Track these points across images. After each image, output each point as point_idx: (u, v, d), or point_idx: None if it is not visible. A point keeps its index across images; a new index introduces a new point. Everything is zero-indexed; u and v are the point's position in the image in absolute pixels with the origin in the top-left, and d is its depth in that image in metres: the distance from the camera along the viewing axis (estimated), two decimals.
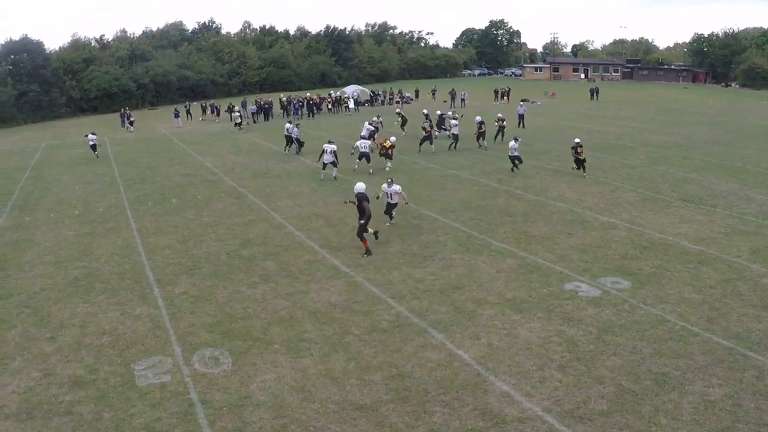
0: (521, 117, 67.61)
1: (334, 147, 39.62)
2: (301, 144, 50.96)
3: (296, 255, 25.68)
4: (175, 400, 15.01)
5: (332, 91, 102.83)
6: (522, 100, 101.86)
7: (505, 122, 55.30)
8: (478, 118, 53.14)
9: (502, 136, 53.55)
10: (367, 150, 41.43)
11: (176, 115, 79.62)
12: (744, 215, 30.88)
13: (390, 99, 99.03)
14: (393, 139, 43.20)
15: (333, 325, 19.09)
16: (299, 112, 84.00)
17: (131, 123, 76.27)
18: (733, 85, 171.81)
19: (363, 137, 44.68)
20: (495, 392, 15.18)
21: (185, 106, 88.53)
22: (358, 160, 42.07)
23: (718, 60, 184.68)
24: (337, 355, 17.12)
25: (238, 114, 75.87)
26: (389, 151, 42.07)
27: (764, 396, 14.94)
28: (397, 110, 65.21)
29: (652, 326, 18.77)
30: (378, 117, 55.90)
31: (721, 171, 40.80)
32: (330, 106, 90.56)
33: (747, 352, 17.14)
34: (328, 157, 38.94)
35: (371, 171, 40.86)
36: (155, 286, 22.44)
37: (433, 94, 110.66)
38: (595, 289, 21.66)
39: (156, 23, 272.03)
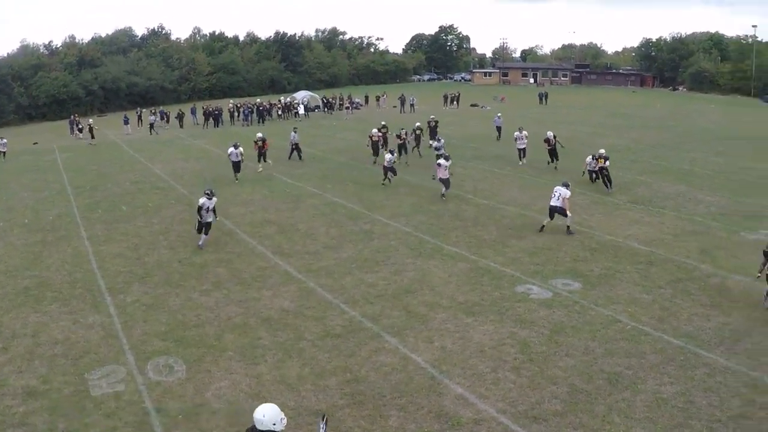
0: (499, 129, 62.38)
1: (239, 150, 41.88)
2: (300, 150, 50.41)
3: (248, 262, 25.67)
4: (130, 409, 14.95)
5: (282, 97, 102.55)
6: (471, 105, 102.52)
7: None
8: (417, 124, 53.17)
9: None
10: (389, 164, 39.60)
11: (126, 122, 78.94)
12: (692, 216, 31.34)
13: (340, 105, 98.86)
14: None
15: (286, 331, 19.14)
16: (248, 118, 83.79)
17: (80, 130, 75.49)
18: (680, 88, 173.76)
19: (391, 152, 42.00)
20: (450, 395, 15.33)
21: (136, 113, 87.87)
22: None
23: (665, 64, 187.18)
24: (291, 361, 17.17)
25: (153, 118, 77.72)
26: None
27: (716, 393, 15.26)
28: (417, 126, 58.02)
29: (604, 326, 19.06)
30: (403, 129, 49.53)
31: (669, 174, 41.33)
32: (280, 113, 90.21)
33: (698, 350, 17.49)
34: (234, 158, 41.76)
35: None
36: (107, 295, 22.30)
37: (378, 99, 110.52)
38: (547, 291, 21.92)
39: (105, 29, 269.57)
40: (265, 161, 45.69)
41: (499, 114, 65.50)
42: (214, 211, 27.38)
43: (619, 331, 18.82)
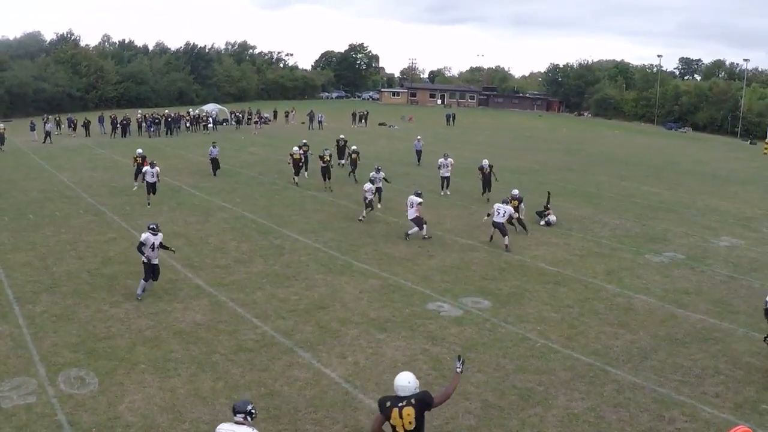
0: (419, 153, 58.72)
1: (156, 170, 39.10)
2: (218, 165, 49.36)
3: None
4: (42, 422, 14.67)
5: (191, 109, 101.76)
6: (380, 124, 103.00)
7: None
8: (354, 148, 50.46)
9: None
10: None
11: (32, 128, 77.24)
12: (598, 238, 32.01)
13: (248, 119, 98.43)
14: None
15: (199, 344, 19.00)
16: (151, 128, 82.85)
17: None
18: (585, 114, 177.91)
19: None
20: (364, 410, 15.40)
21: (43, 119, 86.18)
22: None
23: (571, 90, 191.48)
24: (204, 375, 17.06)
25: (50, 126, 76.34)
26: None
27: (625, 408, 15.68)
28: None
29: (514, 344, 19.36)
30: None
31: (575, 196, 42.10)
32: (188, 125, 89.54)
33: (606, 367, 17.91)
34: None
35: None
36: (15, 304, 21.81)
37: (287, 115, 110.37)
38: (458, 309, 22.16)
39: (13, 32, 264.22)
40: (138, 181, 41.58)
41: (419, 137, 61.57)
42: (162, 247, 23.08)
43: (530, 348, 19.14)
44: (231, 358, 18.16)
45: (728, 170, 66.70)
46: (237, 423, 10.75)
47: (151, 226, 22.94)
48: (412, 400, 11.06)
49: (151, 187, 38.73)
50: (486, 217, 30.77)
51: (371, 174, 36.91)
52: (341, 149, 54.74)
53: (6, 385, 16.28)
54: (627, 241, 31.74)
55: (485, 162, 41.79)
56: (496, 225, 29.67)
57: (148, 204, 37.55)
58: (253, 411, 11.00)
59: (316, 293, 23.51)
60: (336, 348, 18.89)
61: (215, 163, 49.14)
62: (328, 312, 21.65)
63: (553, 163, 62.97)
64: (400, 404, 11.07)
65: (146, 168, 39.10)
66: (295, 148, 46.96)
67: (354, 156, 48.81)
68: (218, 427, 10.93)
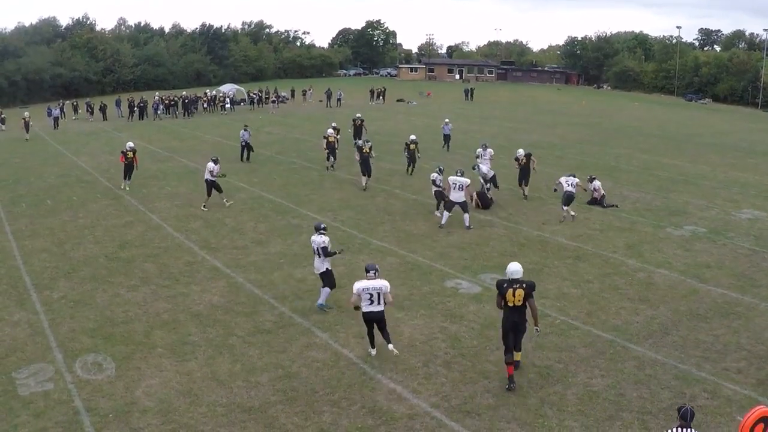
0: (446, 138, 52.42)
1: None
2: (251, 149, 46.81)
3: (176, 256, 25.40)
4: (60, 408, 14.67)
5: (208, 90, 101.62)
6: (398, 100, 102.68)
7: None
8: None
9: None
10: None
11: (49, 114, 77.04)
12: (618, 212, 31.79)
13: (266, 98, 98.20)
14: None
15: (216, 327, 18.96)
16: (158, 110, 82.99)
17: (2, 121, 73.96)
18: (605, 86, 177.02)
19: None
20: (382, 390, 15.35)
21: (59, 105, 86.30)
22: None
23: (590, 62, 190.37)
24: (222, 358, 17.02)
25: (57, 112, 76.77)
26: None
27: (645, 385, 15.53)
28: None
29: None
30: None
31: (595, 170, 41.72)
32: (206, 105, 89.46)
33: (627, 344, 17.75)
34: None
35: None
36: (33, 291, 21.86)
37: (304, 94, 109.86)
38: (476, 286, 22.04)
39: (29, 18, 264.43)
40: (129, 179, 37.82)
41: (447, 120, 54.17)
42: (325, 251, 20.37)
43: (549, 325, 18.96)
44: (248, 340, 18.11)
45: (749, 141, 66.03)
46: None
47: (319, 227, 20.58)
48: (524, 285, 15.50)
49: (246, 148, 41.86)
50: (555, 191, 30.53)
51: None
52: (358, 128, 52.38)
53: (24, 372, 16.27)
54: (647, 215, 31.48)
55: (520, 152, 35.55)
56: (566, 195, 30.24)
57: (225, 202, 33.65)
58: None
59: (335, 272, 23.36)
60: (354, 328, 18.75)
61: (248, 148, 46.51)
62: (345, 291, 21.40)
63: (573, 137, 62.62)
64: (514, 286, 15.42)
65: (210, 164, 32.83)
66: (330, 131, 44.28)
67: (413, 147, 41.06)
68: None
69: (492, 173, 34.57)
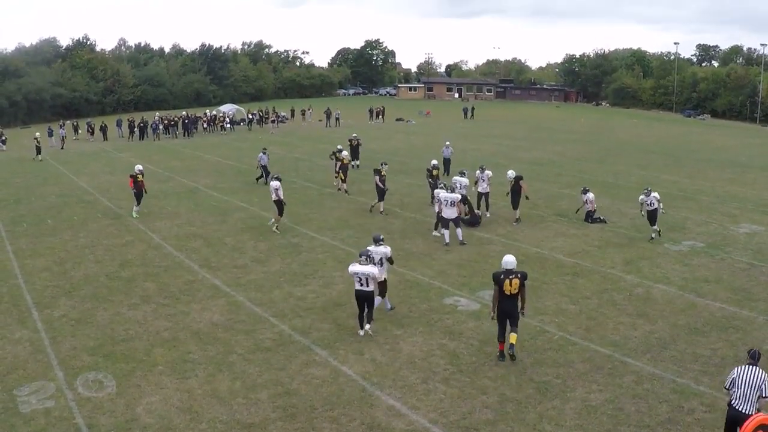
0: (447, 162, 49.37)
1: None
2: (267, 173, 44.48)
3: (176, 275, 25.49)
4: (61, 425, 14.72)
5: (207, 110, 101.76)
6: (397, 119, 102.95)
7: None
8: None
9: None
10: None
11: (50, 134, 77.12)
12: (616, 229, 31.92)
13: (266, 118, 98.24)
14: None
15: (216, 345, 19.03)
16: (156, 130, 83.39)
17: (3, 142, 74.04)
18: (603, 104, 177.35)
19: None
20: (381, 406, 15.41)
21: (60, 125, 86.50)
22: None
23: (589, 80, 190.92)
24: (222, 375, 17.08)
25: (63, 132, 76.91)
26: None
27: (644, 399, 15.62)
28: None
29: (532, 337, 19.30)
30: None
31: (593, 186, 41.76)
32: (205, 126, 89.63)
33: (625, 359, 17.84)
34: None
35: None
36: (34, 309, 21.92)
37: (303, 113, 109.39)
38: (475, 303, 22.14)
39: (29, 39, 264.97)
40: (139, 204, 36.15)
41: (447, 143, 52.01)
42: (390, 260, 21.20)
43: (547, 341, 19.08)
44: (248, 357, 18.18)
45: (747, 156, 66.23)
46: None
47: (377, 239, 21.14)
48: (518, 275, 17.60)
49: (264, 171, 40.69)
50: (576, 212, 30.31)
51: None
52: (354, 149, 51.93)
53: (25, 389, 16.34)
54: (646, 231, 31.48)
55: (510, 173, 35.05)
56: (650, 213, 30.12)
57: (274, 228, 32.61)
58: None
59: (334, 291, 23.51)
60: (353, 345, 18.87)
61: (265, 171, 44.88)
62: (345, 309, 21.62)
63: (571, 154, 62.91)
64: (510, 276, 17.49)
65: (274, 183, 32.35)
66: (345, 153, 43.83)
67: (435, 172, 37.81)
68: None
69: (487, 191, 35.07)
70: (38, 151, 63.10)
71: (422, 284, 24.22)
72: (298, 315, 21.31)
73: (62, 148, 73.04)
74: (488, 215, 35.14)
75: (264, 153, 46.17)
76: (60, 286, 24.41)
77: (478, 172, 35.90)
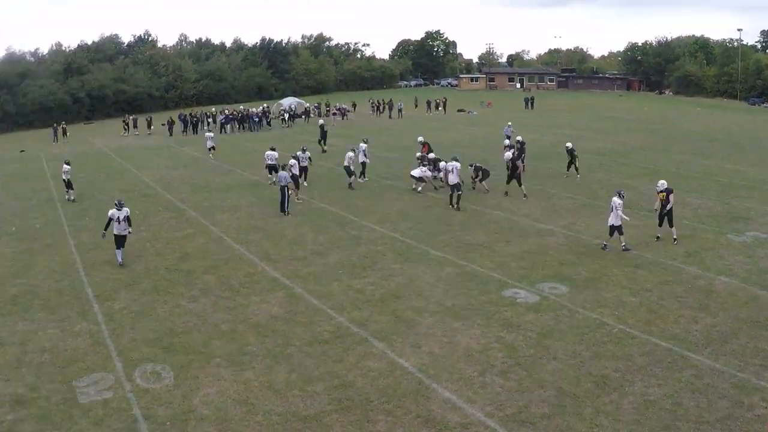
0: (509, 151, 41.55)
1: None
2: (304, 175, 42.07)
3: (236, 268, 25.64)
4: (118, 416, 14.92)
5: (265, 104, 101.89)
6: (458, 110, 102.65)
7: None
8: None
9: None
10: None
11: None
12: (679, 219, 31.36)
13: (327, 111, 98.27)
14: None
15: (274, 337, 19.12)
16: (227, 127, 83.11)
17: (65, 133, 75.50)
18: (666, 92, 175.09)
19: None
20: (437, 399, 15.36)
21: (124, 120, 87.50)
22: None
23: (651, 68, 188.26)
24: (279, 367, 17.15)
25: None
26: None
27: (703, 394, 15.35)
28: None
29: (591, 330, 19.09)
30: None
31: (656, 177, 41.20)
32: (266, 119, 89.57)
33: (685, 353, 17.56)
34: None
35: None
36: (95, 302, 22.24)
37: (377, 107, 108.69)
38: (534, 295, 21.95)
39: (91, 36, 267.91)
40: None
41: (509, 123, 57.77)
42: (127, 221, 26.22)
43: (607, 334, 18.87)
44: (305, 350, 18.23)
45: None
46: None
47: (116, 202, 26.54)
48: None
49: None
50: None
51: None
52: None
53: (84, 381, 16.58)
54: (709, 221, 31.13)
55: (662, 183, 29.61)
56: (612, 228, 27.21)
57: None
58: None
59: (393, 283, 23.47)
60: (411, 337, 18.85)
61: (303, 172, 41.27)
62: (403, 301, 21.60)
63: (635, 143, 62.16)
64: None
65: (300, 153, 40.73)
66: (432, 155, 42.19)
67: (477, 164, 39.27)
68: None
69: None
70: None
71: (481, 276, 24.08)
72: (356, 307, 21.35)
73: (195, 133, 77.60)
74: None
75: (303, 152, 42.15)
76: (121, 279, 24.70)
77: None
